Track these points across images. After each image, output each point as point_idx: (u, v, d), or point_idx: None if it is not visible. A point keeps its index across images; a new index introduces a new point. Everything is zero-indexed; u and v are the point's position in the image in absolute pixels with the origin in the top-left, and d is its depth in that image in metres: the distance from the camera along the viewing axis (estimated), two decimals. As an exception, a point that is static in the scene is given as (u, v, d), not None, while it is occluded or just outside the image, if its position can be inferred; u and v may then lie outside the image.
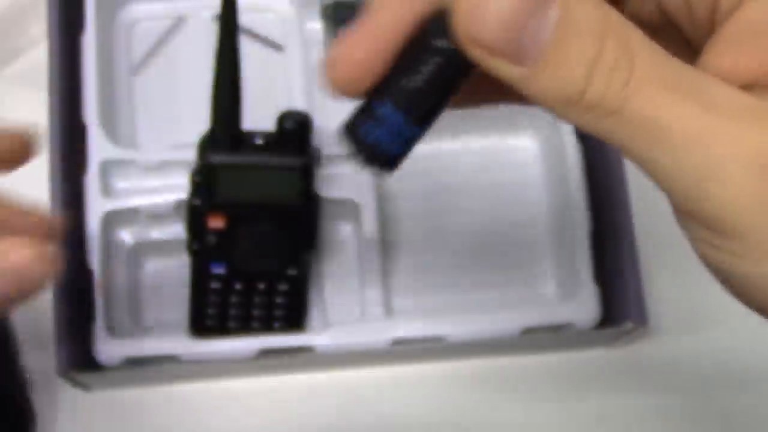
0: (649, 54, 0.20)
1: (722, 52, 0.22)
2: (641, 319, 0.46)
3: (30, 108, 0.51)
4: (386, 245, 0.50)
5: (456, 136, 0.52)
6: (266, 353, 0.46)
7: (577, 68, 0.20)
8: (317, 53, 0.51)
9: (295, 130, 0.43)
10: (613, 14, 0.20)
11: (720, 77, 0.21)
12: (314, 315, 0.48)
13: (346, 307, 0.49)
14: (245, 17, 0.53)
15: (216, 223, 0.44)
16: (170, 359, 0.46)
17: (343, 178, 0.48)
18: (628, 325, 0.46)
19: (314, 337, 0.46)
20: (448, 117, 0.52)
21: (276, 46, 0.53)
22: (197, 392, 0.49)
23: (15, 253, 0.31)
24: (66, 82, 0.48)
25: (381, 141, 0.23)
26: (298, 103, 0.51)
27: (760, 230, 0.21)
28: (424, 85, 0.22)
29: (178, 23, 0.53)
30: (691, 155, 0.20)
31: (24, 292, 0.31)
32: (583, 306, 0.47)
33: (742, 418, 0.50)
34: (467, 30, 0.20)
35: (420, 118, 0.23)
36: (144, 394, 0.49)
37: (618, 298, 0.47)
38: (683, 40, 0.23)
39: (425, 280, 0.51)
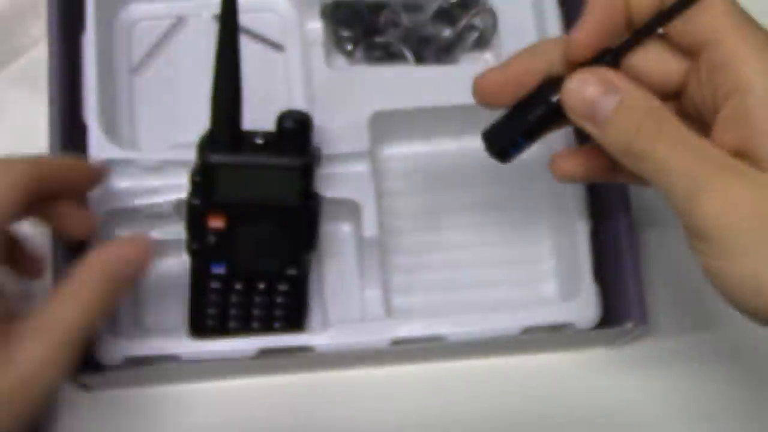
0: (670, 126, 0.33)
1: (720, 130, 0.33)
2: (641, 318, 0.45)
3: (30, 108, 0.52)
4: (386, 245, 0.50)
5: (456, 137, 0.52)
6: (266, 353, 0.46)
7: (629, 129, 0.33)
8: (317, 53, 0.51)
9: (294, 129, 0.43)
10: (654, 100, 0.33)
11: (719, 145, 0.32)
12: (314, 315, 0.48)
13: (346, 307, 0.49)
14: (245, 17, 0.53)
15: (216, 223, 0.44)
16: (170, 359, 0.46)
17: (343, 178, 0.48)
18: (629, 324, 0.46)
19: (314, 337, 0.46)
20: (448, 118, 0.52)
21: (276, 46, 0.53)
22: (197, 392, 0.49)
23: (128, 246, 0.40)
24: (66, 82, 0.48)
25: (503, 142, 0.39)
26: (298, 103, 0.51)
27: (728, 236, 0.31)
28: (535, 119, 0.38)
29: (178, 23, 0.53)
30: (684, 185, 0.32)
31: (131, 282, 0.40)
32: (583, 306, 0.47)
33: (743, 418, 0.50)
34: (568, 102, 0.35)
35: (529, 136, 0.39)
36: (144, 394, 0.49)
37: (618, 298, 0.47)
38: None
39: (425, 280, 0.51)
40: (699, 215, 0.31)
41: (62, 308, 0.37)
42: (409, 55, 0.53)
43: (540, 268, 0.51)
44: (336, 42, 0.53)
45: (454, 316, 0.47)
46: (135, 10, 0.53)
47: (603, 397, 0.50)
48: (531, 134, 0.38)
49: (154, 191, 0.47)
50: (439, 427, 0.49)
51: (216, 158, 0.43)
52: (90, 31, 0.49)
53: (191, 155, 0.44)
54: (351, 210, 0.49)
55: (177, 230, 0.47)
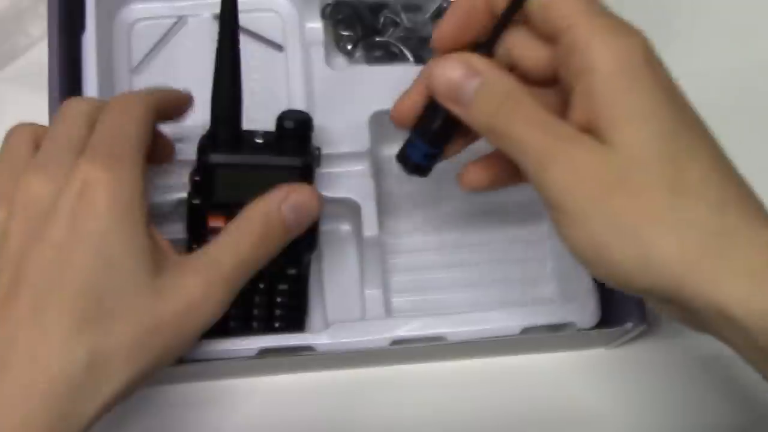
0: (526, 105, 0.35)
1: (572, 108, 0.35)
2: (641, 319, 0.46)
3: (30, 108, 0.52)
4: (386, 245, 0.50)
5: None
6: (266, 353, 0.46)
7: (489, 109, 0.36)
8: (317, 53, 0.51)
9: (295, 129, 0.43)
10: (513, 82, 0.36)
11: (572, 122, 0.35)
12: (314, 315, 0.48)
13: (346, 306, 0.49)
14: (245, 17, 0.53)
15: (216, 222, 0.44)
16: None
17: (343, 178, 0.48)
18: (628, 325, 0.46)
19: (314, 337, 0.46)
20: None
21: (276, 46, 0.53)
22: (197, 392, 0.49)
23: (296, 193, 0.41)
24: (66, 82, 0.48)
25: (415, 158, 0.41)
26: (298, 103, 0.51)
27: (572, 202, 0.33)
28: (437, 128, 0.40)
29: (178, 23, 0.53)
30: (536, 158, 0.34)
31: (303, 226, 0.42)
32: (583, 306, 0.47)
33: (742, 419, 0.50)
34: (435, 87, 0.37)
35: (436, 145, 0.41)
36: (144, 394, 0.49)
37: (618, 298, 0.47)
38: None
39: (425, 280, 0.51)
40: (548, 185, 0.34)
41: (221, 253, 0.39)
42: (409, 55, 0.53)
43: (540, 269, 0.51)
44: (336, 42, 0.53)
45: (454, 315, 0.47)
46: (135, 10, 0.53)
47: (602, 398, 0.50)
48: (437, 142, 0.40)
49: (154, 191, 0.47)
50: (438, 427, 0.49)
51: (216, 158, 0.43)
52: (90, 31, 0.49)
53: (191, 155, 0.44)
54: (351, 210, 0.49)
55: (177, 230, 0.47)
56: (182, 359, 0.45)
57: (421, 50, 0.53)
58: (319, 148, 0.45)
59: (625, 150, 0.33)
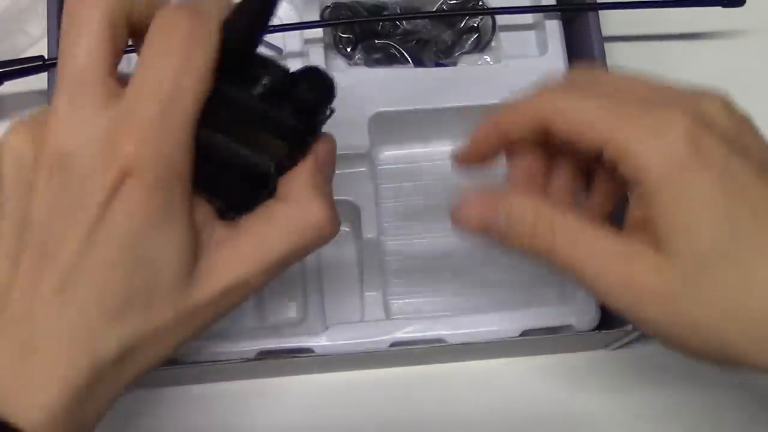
0: (562, 226, 0.34)
1: (631, 207, 0.35)
2: (641, 321, 0.45)
3: (30, 108, 0.52)
4: (386, 247, 0.50)
5: (456, 139, 0.52)
6: (265, 355, 0.46)
7: (524, 236, 0.35)
8: (316, 55, 0.51)
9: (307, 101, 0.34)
10: (542, 206, 0.35)
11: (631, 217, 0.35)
12: (313, 316, 0.48)
13: (345, 308, 0.49)
14: (245, 19, 0.53)
15: None
16: (170, 361, 0.45)
17: (343, 180, 0.48)
18: (628, 327, 0.46)
19: (313, 339, 0.46)
20: (447, 120, 0.52)
21: (275, 48, 0.53)
22: (196, 394, 0.49)
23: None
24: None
25: None
26: (298, 105, 0.51)
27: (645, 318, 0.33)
28: None
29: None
30: (590, 279, 0.33)
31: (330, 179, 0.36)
32: (582, 308, 0.47)
33: (741, 419, 0.50)
34: (463, 227, 0.36)
35: None
36: (144, 396, 0.49)
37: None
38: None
39: (424, 282, 0.50)
40: (613, 304, 0.33)
41: (272, 238, 0.34)
42: (408, 57, 0.53)
43: (539, 271, 0.51)
44: (335, 44, 0.53)
45: (453, 318, 0.47)
46: (134, 12, 0.53)
47: (602, 400, 0.50)
48: None
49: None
50: (438, 429, 0.49)
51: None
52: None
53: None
54: (351, 211, 0.49)
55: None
56: (181, 361, 0.45)
57: (421, 52, 0.53)
58: (332, 110, 0.36)
59: (684, 263, 0.32)
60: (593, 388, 0.50)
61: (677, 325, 0.32)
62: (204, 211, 0.33)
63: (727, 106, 0.33)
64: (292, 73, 0.34)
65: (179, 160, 0.30)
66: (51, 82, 0.47)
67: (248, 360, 0.46)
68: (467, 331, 0.47)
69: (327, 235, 0.34)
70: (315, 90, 0.34)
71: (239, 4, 0.32)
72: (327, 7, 0.53)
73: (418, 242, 0.51)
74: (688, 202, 0.31)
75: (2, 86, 0.48)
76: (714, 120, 0.32)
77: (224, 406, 0.49)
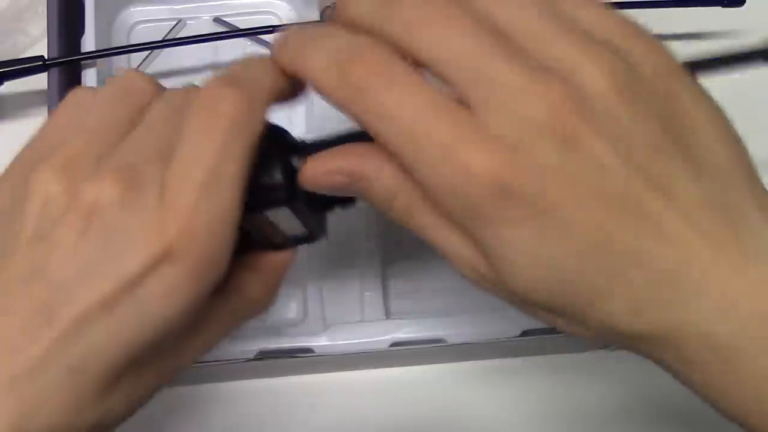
0: (418, 210, 0.31)
1: None
2: (641, 320, 0.45)
3: (30, 109, 0.52)
4: (386, 247, 0.50)
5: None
6: (265, 355, 0.46)
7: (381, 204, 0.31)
8: (317, 55, 0.51)
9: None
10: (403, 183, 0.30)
11: None
12: (313, 316, 0.48)
13: (345, 308, 0.49)
14: (244, 20, 0.53)
15: None
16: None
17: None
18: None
19: (313, 339, 0.46)
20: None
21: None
22: (196, 395, 0.49)
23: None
24: (65, 83, 0.48)
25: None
26: (297, 105, 0.51)
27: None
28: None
29: (177, 26, 0.53)
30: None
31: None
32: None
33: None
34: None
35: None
36: (142, 396, 0.49)
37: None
38: None
39: (425, 282, 0.50)
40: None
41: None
42: (408, 57, 0.53)
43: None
44: (335, 44, 0.53)
45: (453, 318, 0.47)
46: (134, 13, 0.53)
47: (601, 400, 0.50)
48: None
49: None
50: (438, 429, 0.49)
51: None
52: (89, 33, 0.49)
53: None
54: (350, 211, 0.48)
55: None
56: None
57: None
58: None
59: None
60: (593, 388, 0.50)
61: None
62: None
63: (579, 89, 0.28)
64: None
65: (221, 249, 0.29)
66: (51, 82, 0.47)
67: (248, 360, 0.46)
68: (467, 331, 0.47)
69: (266, 310, 0.36)
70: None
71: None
72: (327, 7, 0.53)
73: (419, 242, 0.51)
74: (499, 255, 0.29)
75: (2, 86, 0.48)
76: (529, 148, 0.27)
77: (224, 406, 0.49)
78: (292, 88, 0.32)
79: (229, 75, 0.30)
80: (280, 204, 0.32)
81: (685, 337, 0.28)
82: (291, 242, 0.35)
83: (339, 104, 0.30)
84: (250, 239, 0.33)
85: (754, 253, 0.28)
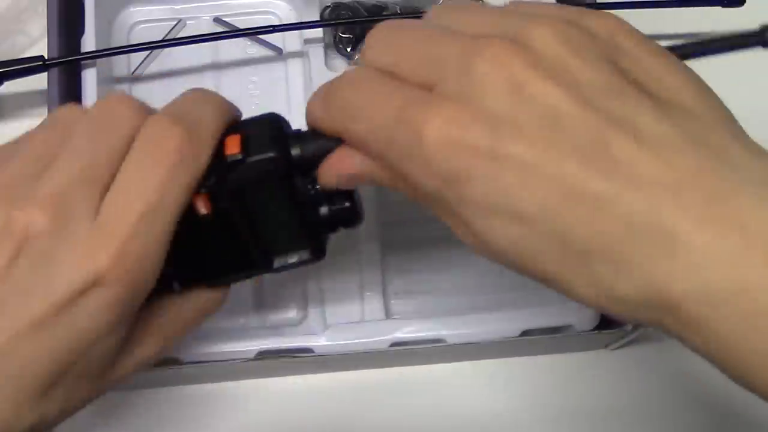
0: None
1: None
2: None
3: (30, 109, 0.52)
4: (386, 247, 0.50)
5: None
6: (265, 355, 0.46)
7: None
8: (317, 55, 0.51)
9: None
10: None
11: None
12: (313, 317, 0.48)
13: (345, 308, 0.49)
14: (243, 20, 0.53)
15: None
16: (170, 361, 0.45)
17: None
18: (628, 326, 0.46)
19: (313, 339, 0.46)
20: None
21: (275, 49, 0.53)
22: (197, 394, 0.49)
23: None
24: (65, 83, 0.48)
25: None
26: (297, 106, 0.51)
27: None
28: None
29: (177, 26, 0.53)
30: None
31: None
32: (582, 308, 0.47)
33: (741, 420, 0.50)
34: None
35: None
36: (144, 396, 0.49)
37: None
38: None
39: (425, 282, 0.50)
40: None
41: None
42: (408, 57, 0.53)
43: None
44: (335, 44, 0.53)
45: (453, 318, 0.47)
46: (134, 13, 0.53)
47: (601, 400, 0.50)
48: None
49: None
50: (438, 429, 0.49)
51: None
52: (89, 33, 0.49)
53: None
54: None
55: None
56: (181, 361, 0.45)
57: (421, 53, 0.53)
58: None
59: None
60: (593, 388, 0.50)
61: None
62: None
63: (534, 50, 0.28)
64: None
65: (149, 277, 0.31)
66: (51, 82, 0.47)
67: (248, 360, 0.46)
68: (467, 331, 0.47)
69: (214, 313, 0.37)
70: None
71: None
72: (327, 7, 0.53)
73: (419, 242, 0.51)
74: (471, 216, 0.28)
75: (2, 86, 0.48)
76: (480, 100, 0.27)
77: (224, 406, 0.49)
78: None
79: (178, 110, 0.32)
80: (275, 177, 0.33)
81: (677, 295, 0.26)
82: (291, 264, 0.35)
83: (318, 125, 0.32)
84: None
85: (737, 187, 0.25)
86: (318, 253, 0.36)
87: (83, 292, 0.29)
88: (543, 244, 0.27)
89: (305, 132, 0.34)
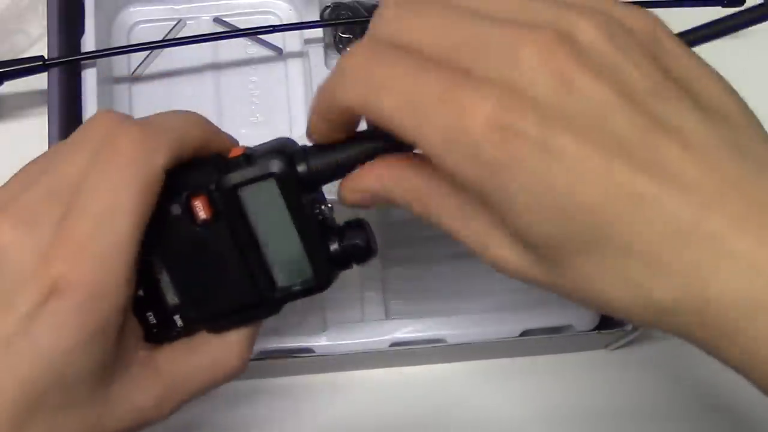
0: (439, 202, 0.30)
1: None
2: (640, 320, 0.45)
3: (30, 109, 0.52)
4: (386, 247, 0.50)
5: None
6: (265, 355, 0.46)
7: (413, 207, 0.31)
8: (316, 55, 0.51)
9: None
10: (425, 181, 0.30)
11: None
12: (313, 317, 0.48)
13: (345, 308, 0.49)
14: (244, 20, 0.53)
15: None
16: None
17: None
18: (628, 326, 0.46)
19: (313, 339, 0.46)
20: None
21: (275, 49, 0.53)
22: (196, 394, 0.49)
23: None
24: (65, 83, 0.48)
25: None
26: (298, 105, 0.51)
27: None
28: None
29: (177, 26, 0.53)
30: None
31: None
32: (582, 308, 0.47)
33: (741, 420, 0.50)
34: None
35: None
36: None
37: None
38: None
39: (425, 282, 0.50)
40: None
41: (192, 369, 0.35)
42: (408, 57, 0.53)
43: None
44: (335, 44, 0.53)
45: (453, 318, 0.47)
46: (134, 13, 0.53)
47: (601, 400, 0.50)
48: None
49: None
50: (438, 428, 0.49)
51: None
52: (89, 33, 0.49)
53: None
54: (351, 211, 0.48)
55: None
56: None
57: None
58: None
59: (537, 255, 0.29)
60: (593, 388, 0.50)
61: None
62: (131, 328, 0.32)
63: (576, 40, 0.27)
64: (347, 223, 0.35)
65: (112, 282, 0.29)
66: (51, 82, 0.47)
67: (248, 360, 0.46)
68: (467, 331, 0.47)
69: (238, 374, 0.35)
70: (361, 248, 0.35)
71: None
72: (327, 7, 0.53)
73: (418, 242, 0.51)
74: (515, 208, 0.27)
75: (2, 86, 0.48)
76: (529, 90, 0.26)
77: (224, 406, 0.49)
78: None
79: (145, 119, 0.31)
80: (278, 183, 0.32)
81: (716, 302, 0.25)
82: (295, 292, 0.34)
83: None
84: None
85: None
86: (324, 283, 0.35)
87: (42, 303, 0.28)
88: (583, 243, 0.26)
89: (310, 147, 0.32)
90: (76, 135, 0.32)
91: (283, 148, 0.32)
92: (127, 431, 0.32)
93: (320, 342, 0.46)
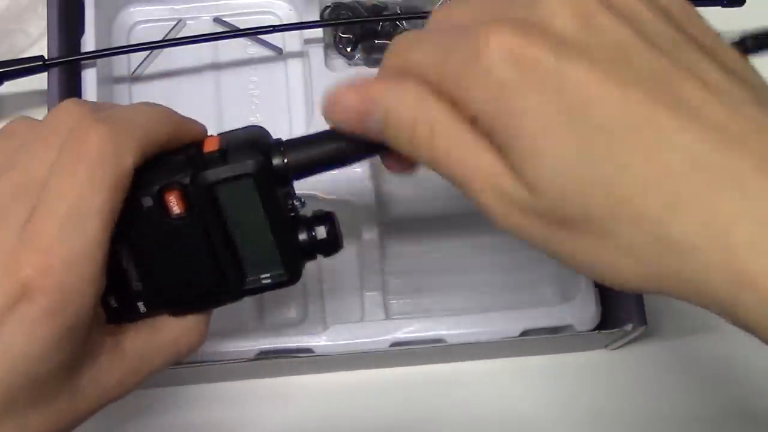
0: (441, 130, 0.28)
1: None
2: (641, 321, 0.45)
3: (30, 109, 0.52)
4: (385, 247, 0.50)
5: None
6: (265, 355, 0.46)
7: (401, 141, 0.29)
8: (317, 55, 0.51)
9: None
10: (425, 101, 0.28)
11: None
12: (313, 317, 0.48)
13: (345, 308, 0.49)
14: (244, 20, 0.53)
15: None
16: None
17: (342, 180, 0.48)
18: (628, 326, 0.46)
19: (313, 339, 0.46)
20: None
21: (275, 49, 0.53)
22: (195, 395, 0.49)
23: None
24: (65, 83, 0.48)
25: None
26: (298, 105, 0.51)
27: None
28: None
29: (177, 26, 0.53)
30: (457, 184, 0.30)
31: None
32: (582, 308, 0.47)
33: (741, 420, 0.50)
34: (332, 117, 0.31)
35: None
36: (144, 396, 0.49)
37: (617, 300, 0.47)
38: None
39: (424, 282, 0.50)
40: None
41: (155, 350, 0.35)
42: (408, 57, 0.53)
43: (539, 271, 0.51)
44: (335, 44, 0.53)
45: (453, 318, 0.47)
46: (134, 13, 0.53)
47: (602, 400, 0.50)
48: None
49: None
50: (438, 428, 0.49)
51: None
52: (89, 33, 0.49)
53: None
54: (351, 211, 0.48)
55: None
56: (181, 361, 0.45)
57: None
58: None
59: (543, 196, 0.27)
60: (593, 388, 0.50)
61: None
62: (97, 315, 0.32)
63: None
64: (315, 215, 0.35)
65: (82, 285, 0.29)
66: (51, 82, 0.47)
67: (248, 360, 0.46)
68: (467, 331, 0.47)
69: (198, 347, 0.35)
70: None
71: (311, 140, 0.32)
72: (327, 7, 0.53)
73: (418, 242, 0.51)
74: (524, 131, 0.26)
75: (2, 86, 0.48)
76: (548, 22, 0.27)
77: (224, 406, 0.49)
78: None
79: (111, 114, 0.30)
80: (253, 178, 0.31)
81: (737, 245, 0.24)
82: (264, 285, 0.34)
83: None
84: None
85: None
86: (294, 276, 0.34)
87: (11, 307, 0.28)
88: (595, 175, 0.25)
89: (286, 141, 0.33)
90: (42, 127, 0.31)
91: (258, 141, 0.32)
92: (94, 412, 0.32)
93: (320, 342, 0.46)
